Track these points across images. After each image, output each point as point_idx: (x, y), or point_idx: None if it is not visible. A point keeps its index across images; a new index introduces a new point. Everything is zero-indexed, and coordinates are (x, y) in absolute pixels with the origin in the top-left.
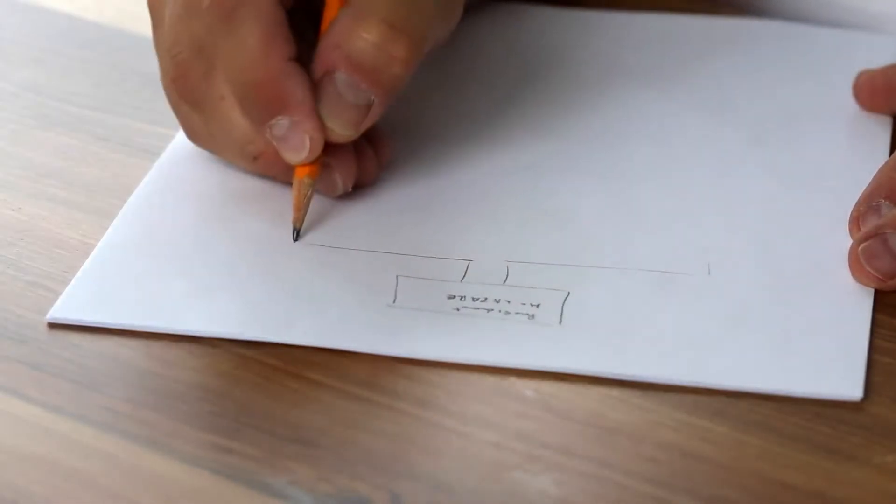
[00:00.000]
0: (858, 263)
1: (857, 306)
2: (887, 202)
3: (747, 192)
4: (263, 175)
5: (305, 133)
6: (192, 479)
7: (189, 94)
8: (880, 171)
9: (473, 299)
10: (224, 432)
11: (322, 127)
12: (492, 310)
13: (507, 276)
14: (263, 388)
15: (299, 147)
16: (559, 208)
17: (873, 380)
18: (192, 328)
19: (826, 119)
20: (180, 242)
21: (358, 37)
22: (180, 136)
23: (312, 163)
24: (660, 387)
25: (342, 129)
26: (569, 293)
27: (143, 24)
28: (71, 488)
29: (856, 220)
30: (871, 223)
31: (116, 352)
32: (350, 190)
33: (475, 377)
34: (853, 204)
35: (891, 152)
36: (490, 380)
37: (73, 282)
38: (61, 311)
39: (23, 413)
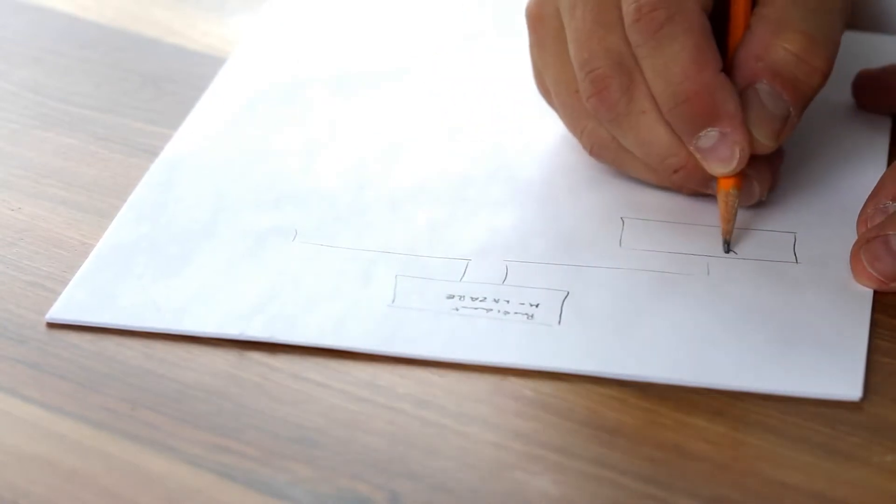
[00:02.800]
0: (860, 265)
1: (857, 306)
2: (895, 203)
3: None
4: (677, 188)
5: (736, 145)
6: (191, 478)
7: (608, 109)
8: (886, 173)
9: (472, 299)
10: (224, 432)
11: (750, 139)
12: (491, 309)
13: (506, 275)
14: (263, 388)
15: (728, 159)
16: (559, 208)
17: (873, 380)
18: (192, 328)
19: (826, 119)
20: (180, 242)
21: (780, 48)
22: (180, 136)
23: (737, 174)
24: (659, 387)
25: (765, 140)
26: (568, 293)
27: (143, 24)
28: (71, 488)
29: (864, 223)
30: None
31: (116, 352)
32: (765, 198)
33: (474, 377)
34: (852, 204)
35: (890, 152)
36: (489, 379)
37: (72, 282)
38: (61, 311)
39: (23, 413)
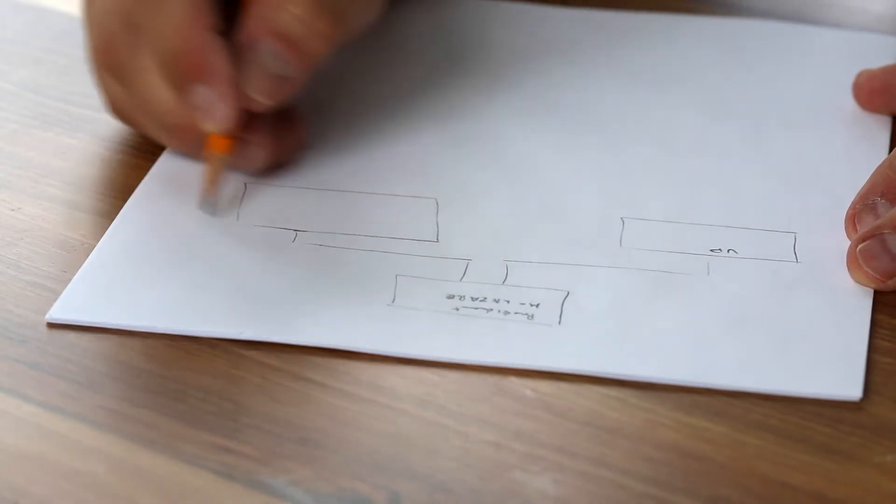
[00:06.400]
0: (857, 264)
1: (857, 306)
2: (883, 200)
3: (747, 192)
4: (179, 150)
5: (223, 102)
6: (191, 478)
7: (114, 65)
8: (877, 169)
9: (472, 299)
10: (224, 432)
11: (239, 97)
12: (491, 309)
13: (507, 275)
14: (263, 388)
15: (217, 116)
16: (559, 208)
17: (873, 380)
18: (192, 328)
19: (826, 119)
20: (180, 242)
21: (284, 10)
22: None
23: (227, 139)
24: (659, 387)
25: (260, 97)
26: (568, 293)
27: None
28: (71, 488)
29: (852, 218)
30: (867, 222)
31: (116, 352)
32: (269, 168)
33: (475, 377)
34: None
35: (890, 152)
36: (490, 379)
37: (72, 282)
38: (61, 311)
39: (23, 413)
